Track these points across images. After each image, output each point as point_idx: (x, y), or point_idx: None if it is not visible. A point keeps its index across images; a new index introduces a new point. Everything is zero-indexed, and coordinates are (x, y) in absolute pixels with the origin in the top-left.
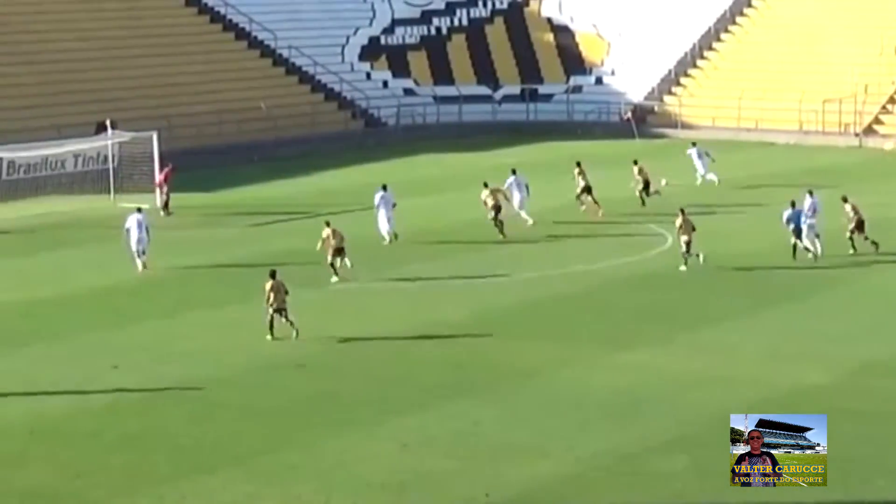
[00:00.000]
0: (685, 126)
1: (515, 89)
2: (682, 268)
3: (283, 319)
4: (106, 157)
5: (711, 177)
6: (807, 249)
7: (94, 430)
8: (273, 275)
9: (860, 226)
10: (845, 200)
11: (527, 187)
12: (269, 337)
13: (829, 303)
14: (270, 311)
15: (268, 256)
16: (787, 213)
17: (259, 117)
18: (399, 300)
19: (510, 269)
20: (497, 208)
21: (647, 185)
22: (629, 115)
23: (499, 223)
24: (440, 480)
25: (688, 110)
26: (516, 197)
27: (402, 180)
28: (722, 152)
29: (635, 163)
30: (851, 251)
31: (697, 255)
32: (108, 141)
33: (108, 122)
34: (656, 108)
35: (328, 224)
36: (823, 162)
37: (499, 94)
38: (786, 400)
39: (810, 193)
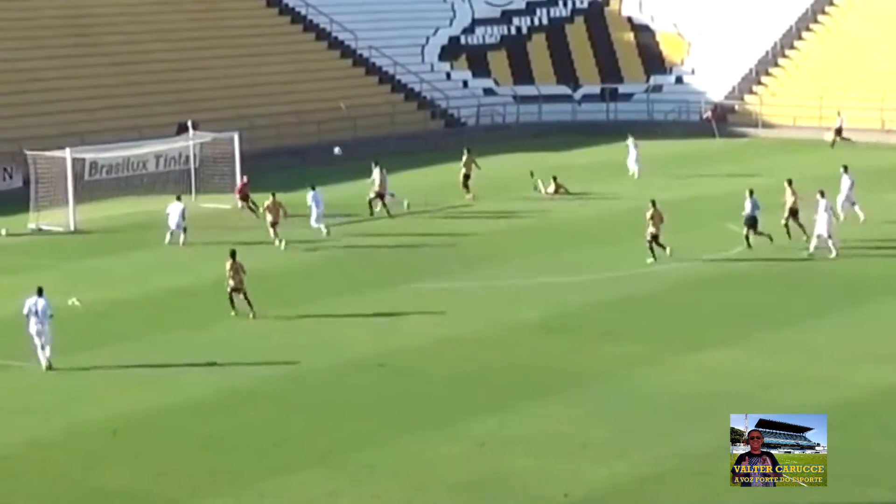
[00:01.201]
0: (766, 125)
1: (595, 89)
2: (650, 260)
3: (242, 297)
4: (187, 158)
5: (635, 167)
6: (757, 235)
7: (175, 430)
8: (233, 255)
9: (795, 213)
10: (790, 183)
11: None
12: (232, 313)
13: None
14: (228, 289)
15: (345, 256)
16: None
17: (339, 117)
18: (479, 300)
19: (586, 269)
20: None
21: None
22: (710, 114)
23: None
24: (518, 480)
25: (769, 109)
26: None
27: (480, 179)
28: (802, 151)
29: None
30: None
31: (665, 248)
32: (190, 142)
33: (189, 123)
34: (737, 108)
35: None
36: None
37: (579, 94)
38: (867, 400)
39: (845, 169)
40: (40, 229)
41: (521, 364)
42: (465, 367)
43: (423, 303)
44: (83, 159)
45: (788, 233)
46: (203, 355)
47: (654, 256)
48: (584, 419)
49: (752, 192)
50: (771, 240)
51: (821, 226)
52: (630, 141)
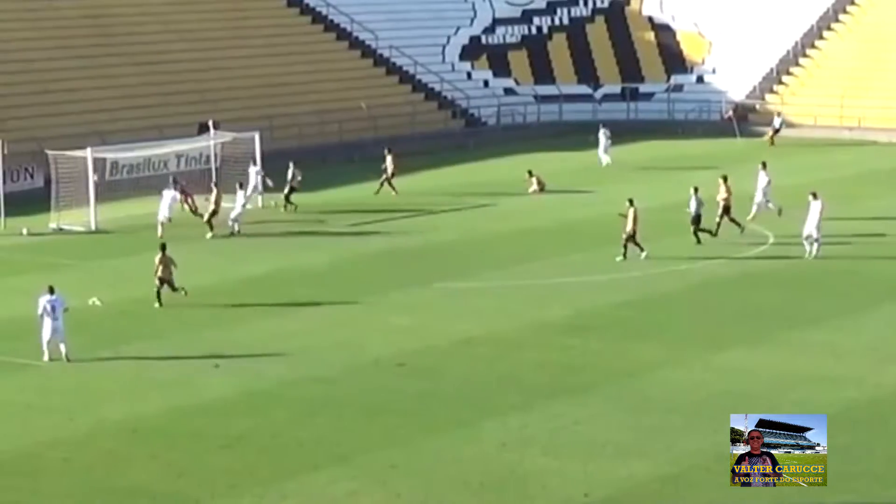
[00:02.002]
0: (787, 125)
1: (616, 88)
2: (619, 258)
3: (171, 290)
4: (208, 158)
5: (606, 158)
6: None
7: (196, 430)
8: (163, 248)
9: (728, 209)
10: (724, 180)
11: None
12: (157, 305)
13: None
14: (157, 281)
15: (368, 256)
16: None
17: (360, 117)
18: (500, 300)
19: (611, 269)
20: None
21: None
22: (731, 113)
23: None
24: (539, 480)
25: (790, 108)
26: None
27: (501, 180)
28: (824, 151)
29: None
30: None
31: (641, 249)
32: (211, 141)
33: (210, 123)
34: (758, 107)
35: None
36: None
37: (599, 93)
38: (891, 400)
39: (763, 166)
40: (61, 229)
41: (543, 364)
42: (487, 367)
43: (446, 302)
44: (104, 159)
45: (717, 231)
46: (221, 355)
47: (625, 256)
48: (604, 419)
49: (696, 190)
50: (713, 235)
51: (809, 226)
52: (602, 132)
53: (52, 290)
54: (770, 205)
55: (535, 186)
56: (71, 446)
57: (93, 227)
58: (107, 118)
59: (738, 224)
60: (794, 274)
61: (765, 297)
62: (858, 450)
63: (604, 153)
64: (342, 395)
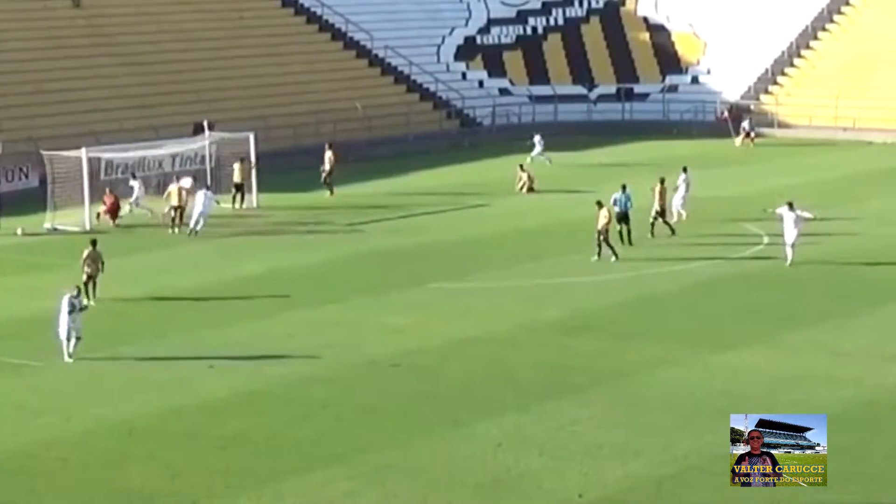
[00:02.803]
0: (782, 125)
1: (611, 89)
2: (594, 258)
3: (92, 287)
4: (203, 158)
5: (540, 158)
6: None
7: (192, 431)
8: (94, 244)
9: (662, 212)
10: (661, 182)
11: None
12: (91, 302)
13: None
14: (84, 277)
15: (363, 256)
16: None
17: (355, 117)
18: (496, 300)
19: (607, 269)
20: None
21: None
22: (726, 114)
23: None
24: (534, 480)
25: (785, 109)
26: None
27: (496, 180)
28: (819, 151)
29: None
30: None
31: (614, 251)
32: (206, 142)
33: (205, 123)
34: (753, 107)
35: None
36: None
37: (594, 94)
38: (890, 400)
39: (684, 170)
40: (56, 229)
41: (540, 364)
42: (484, 367)
43: (441, 303)
44: (99, 159)
45: (652, 231)
46: (220, 355)
47: (599, 255)
48: (600, 419)
49: (624, 188)
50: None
51: (789, 234)
52: (537, 138)
53: (79, 290)
54: (682, 209)
55: (524, 181)
56: (67, 446)
57: (87, 227)
58: (101, 118)
59: (671, 228)
60: (788, 274)
61: (761, 298)
62: (856, 451)
63: (539, 156)
64: (338, 395)
